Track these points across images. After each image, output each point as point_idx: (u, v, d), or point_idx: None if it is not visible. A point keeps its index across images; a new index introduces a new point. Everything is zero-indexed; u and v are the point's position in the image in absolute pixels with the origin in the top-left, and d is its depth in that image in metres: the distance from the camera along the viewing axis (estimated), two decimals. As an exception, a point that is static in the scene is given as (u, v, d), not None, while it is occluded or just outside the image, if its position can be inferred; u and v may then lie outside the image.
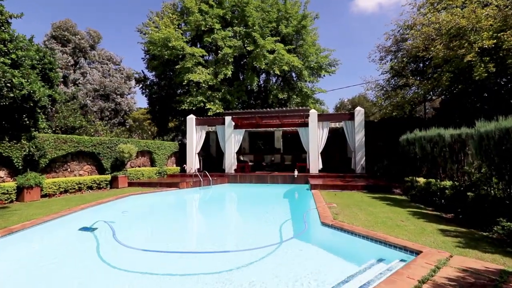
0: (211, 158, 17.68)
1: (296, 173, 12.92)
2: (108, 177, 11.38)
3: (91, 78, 23.96)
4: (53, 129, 11.85)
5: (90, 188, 10.68)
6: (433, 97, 14.65)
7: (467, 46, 9.44)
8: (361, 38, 63.26)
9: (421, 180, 8.47)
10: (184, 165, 15.02)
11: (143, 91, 20.83)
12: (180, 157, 16.13)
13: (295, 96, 18.26)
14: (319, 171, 13.95)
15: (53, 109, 11.92)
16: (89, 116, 14.54)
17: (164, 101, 18.35)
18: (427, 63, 13.51)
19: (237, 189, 12.86)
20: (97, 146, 11.14)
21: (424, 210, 6.49)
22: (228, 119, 14.54)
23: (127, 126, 31.03)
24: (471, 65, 9.33)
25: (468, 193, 5.97)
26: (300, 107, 14.75)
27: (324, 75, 19.44)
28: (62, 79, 24.02)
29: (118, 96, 25.50)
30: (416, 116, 16.27)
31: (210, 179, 12.61)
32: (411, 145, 8.51)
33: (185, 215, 7.43)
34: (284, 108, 13.23)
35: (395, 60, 14.79)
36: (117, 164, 11.98)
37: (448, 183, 6.97)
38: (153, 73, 18.95)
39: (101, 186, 11.11)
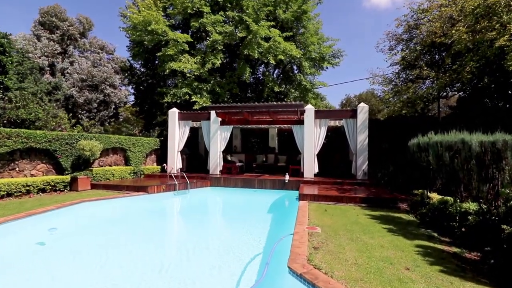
0: (199, 157, 16.10)
1: (287, 177, 11.22)
2: (67, 178, 9.92)
3: (79, 67, 22.55)
4: (4, 122, 10.42)
5: (43, 191, 9.23)
6: (450, 93, 12.65)
7: (498, 28, 7.51)
8: (373, 33, 60.56)
9: (435, 196, 6.68)
10: (164, 165, 13.47)
11: (129, 81, 19.30)
12: (162, 155, 14.60)
13: (293, 90, 16.44)
14: (315, 175, 12.22)
15: (5, 98, 10.44)
16: (47, 107, 12.98)
17: (148, 93, 16.79)
18: (444, 54, 11.53)
19: (217, 195, 11.27)
20: (53, 142, 9.64)
21: (438, 244, 4.73)
22: (213, 113, 12.88)
23: (120, 119, 29.75)
24: (503, 52, 7.41)
25: (504, 226, 4.21)
26: (295, 102, 12.90)
27: (327, 67, 17.51)
28: (48, 68, 22.71)
29: (109, 87, 24.11)
30: (429, 115, 14.28)
31: (188, 182, 11.03)
32: (423, 152, 6.71)
33: (129, 240, 5.70)
34: (276, 103, 11.51)
35: (407, 50, 12.79)
36: (80, 163, 10.50)
37: (472, 205, 5.19)
38: (139, 62, 17.34)
39: (58, 189, 9.66)
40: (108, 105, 24.26)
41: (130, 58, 17.58)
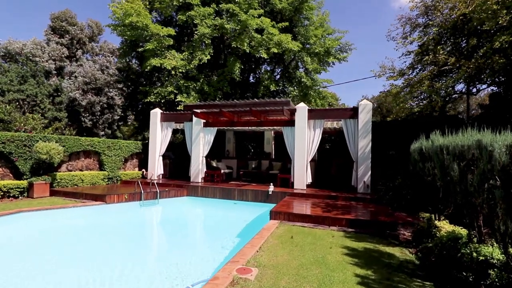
0: (187, 163, 14.76)
1: (271, 188, 9.48)
2: (24, 183, 8.97)
3: (83, 70, 22.42)
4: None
5: (-8, 197, 8.31)
6: (480, 87, 10.18)
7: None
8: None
9: (444, 226, 4.67)
10: (143, 170, 12.29)
11: (116, 80, 18.58)
12: (146, 159, 13.41)
13: (292, 88, 14.64)
14: (308, 186, 10.35)
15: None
16: (8, 106, 12.30)
17: (137, 93, 15.85)
18: (467, 39, 9.22)
19: (187, 208, 9.83)
20: (8, 143, 8.74)
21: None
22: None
23: (128, 123, 29.44)
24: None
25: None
26: (279, 99, 10.76)
27: (333, 63, 15.55)
28: (55, 71, 22.85)
29: (114, 90, 23.76)
30: (452, 114, 11.78)
31: (158, 190, 9.66)
32: (426, 161, 4.74)
33: (25, 271, 4.39)
34: (259, 100, 9.85)
35: (425, 38, 10.56)
36: (41, 167, 9.53)
37: (496, 252, 3.21)
38: (125, 60, 16.51)
39: (12, 195, 8.72)
40: (112, 108, 23.86)
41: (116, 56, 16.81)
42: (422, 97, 9.43)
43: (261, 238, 5.19)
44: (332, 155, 12.71)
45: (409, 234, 5.83)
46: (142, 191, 9.32)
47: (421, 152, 4.84)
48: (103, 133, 25.63)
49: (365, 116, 9.52)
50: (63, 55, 23.28)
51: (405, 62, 10.79)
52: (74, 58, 24.62)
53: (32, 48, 21.73)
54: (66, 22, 24.34)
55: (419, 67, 10.10)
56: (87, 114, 22.47)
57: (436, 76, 9.12)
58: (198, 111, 11.27)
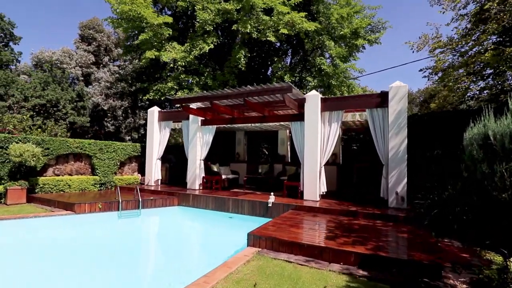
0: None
1: (271, 199, 7.45)
2: (0, 188, 8.21)
3: (105, 75, 22.65)
4: None
5: (-40, 204, 7.60)
6: None
7: None
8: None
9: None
10: (139, 175, 11.08)
11: (117, 78, 18.01)
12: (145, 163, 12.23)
13: (310, 78, 12.37)
14: (323, 196, 8.11)
15: None
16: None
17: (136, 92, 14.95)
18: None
19: (168, 223, 8.35)
20: (-22, 145, 8.05)
21: None
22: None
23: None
24: None
25: None
26: (279, 85, 8.13)
27: (363, 46, 12.97)
28: (82, 78, 23.48)
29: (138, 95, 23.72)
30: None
31: (140, 199, 8.22)
32: (498, 161, 2.39)
33: None
34: (255, 87, 7.83)
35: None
36: (21, 171, 8.75)
37: None
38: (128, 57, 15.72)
39: (-16, 202, 7.97)
40: (134, 112, 23.73)
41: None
42: (484, 73, 6.60)
43: (204, 284, 3.27)
44: (357, 153, 10.22)
45: (465, 286, 3.42)
46: (120, 200, 7.95)
47: (486, 143, 2.50)
48: (129, 137, 25.70)
49: (397, 104, 7.02)
50: (89, 62, 23.94)
51: (455, 28, 7.94)
52: (102, 64, 25.24)
53: (60, 56, 22.61)
54: (93, 30, 25.09)
55: (478, 33, 7.21)
56: (110, 119, 22.63)
57: (504, 40, 6.20)
58: (194, 107, 9.75)
